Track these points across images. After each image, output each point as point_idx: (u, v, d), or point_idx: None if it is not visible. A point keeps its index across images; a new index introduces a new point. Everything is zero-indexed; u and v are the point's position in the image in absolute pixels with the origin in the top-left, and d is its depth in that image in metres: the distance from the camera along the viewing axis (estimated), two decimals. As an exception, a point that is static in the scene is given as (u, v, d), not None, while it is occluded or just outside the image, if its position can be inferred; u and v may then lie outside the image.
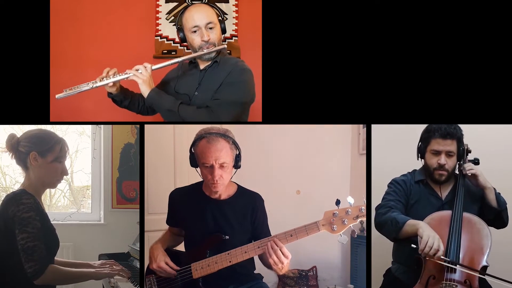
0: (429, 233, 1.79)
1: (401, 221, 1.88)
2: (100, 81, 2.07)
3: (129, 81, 2.09)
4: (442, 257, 1.79)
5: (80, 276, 1.91)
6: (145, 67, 2.06)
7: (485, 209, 1.99)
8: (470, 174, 1.98)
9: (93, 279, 1.94)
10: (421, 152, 2.07)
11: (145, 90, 2.06)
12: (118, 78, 2.08)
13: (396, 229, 1.89)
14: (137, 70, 2.06)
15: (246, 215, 1.99)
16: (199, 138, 1.94)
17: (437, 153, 2.00)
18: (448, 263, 1.81)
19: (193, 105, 2.09)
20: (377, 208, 2.03)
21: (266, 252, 1.84)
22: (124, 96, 2.21)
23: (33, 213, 1.75)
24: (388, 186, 2.10)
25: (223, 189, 1.99)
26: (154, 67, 2.09)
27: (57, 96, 2.08)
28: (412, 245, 1.81)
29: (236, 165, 1.96)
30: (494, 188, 1.99)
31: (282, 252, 1.82)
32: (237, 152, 1.95)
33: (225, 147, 1.90)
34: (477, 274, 1.82)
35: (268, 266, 1.96)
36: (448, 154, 2.00)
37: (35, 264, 1.72)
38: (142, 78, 2.05)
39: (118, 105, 2.24)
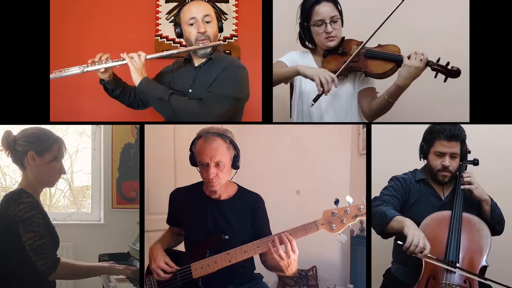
0: (414, 232, 1.80)
1: (389, 215, 1.89)
2: (92, 65, 2.06)
3: (123, 71, 2.07)
4: (439, 258, 1.79)
5: (92, 270, 1.91)
6: (139, 55, 2.05)
7: (481, 217, 1.97)
8: (465, 188, 1.96)
9: (108, 274, 1.93)
10: (424, 152, 2.06)
11: (136, 78, 2.06)
12: (110, 64, 2.07)
13: (384, 223, 1.90)
14: (131, 57, 2.05)
15: (246, 216, 1.99)
16: (197, 137, 1.95)
17: (442, 154, 2.00)
18: (447, 265, 1.81)
19: (185, 97, 2.10)
20: (372, 200, 2.04)
21: (271, 247, 1.82)
22: (116, 85, 2.20)
23: (35, 211, 1.75)
24: (388, 181, 2.11)
25: (223, 189, 1.99)
26: (149, 56, 2.08)
27: (51, 76, 2.07)
28: (398, 242, 1.82)
29: (235, 166, 1.96)
30: (492, 199, 1.97)
31: (291, 246, 1.80)
32: (235, 153, 1.95)
33: (221, 146, 1.90)
34: (477, 278, 1.82)
35: (272, 267, 1.95)
36: (452, 155, 1.99)
37: (47, 261, 1.72)
38: (135, 65, 2.04)
39: (109, 94, 2.23)
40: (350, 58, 2.14)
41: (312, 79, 2.09)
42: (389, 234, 1.94)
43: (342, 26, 2.20)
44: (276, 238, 1.82)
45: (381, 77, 2.16)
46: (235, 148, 1.95)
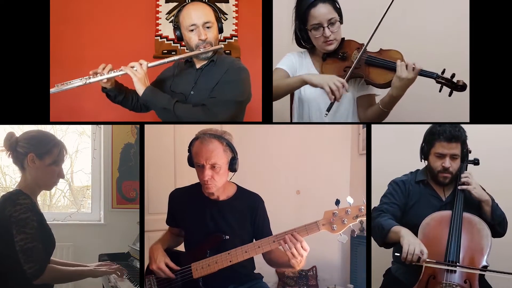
0: (409, 241, 1.79)
1: (386, 227, 1.89)
2: (94, 77, 2.05)
3: (124, 76, 2.06)
4: (436, 260, 1.79)
5: (78, 274, 1.91)
6: (141, 64, 2.04)
7: (481, 217, 1.96)
8: (463, 189, 1.96)
9: (91, 277, 1.94)
10: (425, 153, 2.05)
11: (139, 88, 2.04)
12: (112, 74, 2.05)
13: (382, 235, 1.90)
14: (132, 67, 2.04)
15: (245, 216, 1.99)
16: (195, 138, 1.95)
17: (442, 156, 1.98)
18: (448, 266, 1.82)
19: (189, 104, 2.08)
20: (372, 211, 2.03)
21: (283, 245, 1.83)
22: (119, 92, 2.19)
23: (31, 213, 1.75)
24: (387, 186, 2.10)
25: (221, 190, 1.99)
26: (150, 64, 2.06)
27: (51, 90, 2.06)
28: (396, 254, 1.82)
29: (232, 168, 1.96)
30: (493, 200, 1.96)
31: (301, 245, 1.82)
32: (233, 155, 1.94)
33: (217, 148, 1.90)
34: (477, 272, 1.82)
35: (278, 265, 1.96)
36: (453, 157, 1.98)
37: (35, 265, 1.72)
38: (137, 76, 2.03)
39: (111, 100, 2.22)
40: (352, 66, 2.10)
41: (322, 88, 2.02)
42: (390, 244, 1.93)
43: (342, 23, 2.13)
44: (287, 237, 1.83)
45: (383, 87, 2.12)
46: (232, 150, 1.94)
